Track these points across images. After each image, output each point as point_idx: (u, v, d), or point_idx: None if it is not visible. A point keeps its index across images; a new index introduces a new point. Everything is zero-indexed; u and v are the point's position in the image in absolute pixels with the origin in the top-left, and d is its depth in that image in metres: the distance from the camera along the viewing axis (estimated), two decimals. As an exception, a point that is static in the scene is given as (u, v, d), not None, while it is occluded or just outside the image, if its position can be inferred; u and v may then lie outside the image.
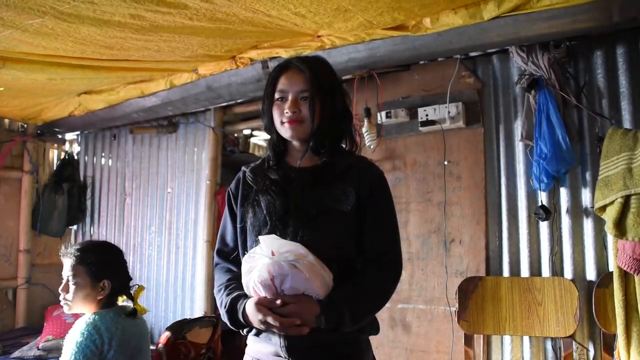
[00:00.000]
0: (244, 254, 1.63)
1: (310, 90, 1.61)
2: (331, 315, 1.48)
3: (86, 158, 4.77)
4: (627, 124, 2.46)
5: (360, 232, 1.64)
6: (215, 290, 1.72)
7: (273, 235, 1.54)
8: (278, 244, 1.49)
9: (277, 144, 1.72)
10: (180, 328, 2.31)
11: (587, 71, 2.59)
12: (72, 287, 2.13)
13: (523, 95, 2.68)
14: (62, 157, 4.79)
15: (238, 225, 1.71)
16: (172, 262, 4.03)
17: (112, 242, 2.43)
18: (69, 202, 4.59)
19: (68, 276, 2.15)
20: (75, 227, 4.76)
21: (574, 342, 2.46)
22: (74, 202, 4.62)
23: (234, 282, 1.66)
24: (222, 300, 1.63)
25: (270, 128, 1.71)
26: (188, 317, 2.42)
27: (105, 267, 2.19)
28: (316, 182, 1.63)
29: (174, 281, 3.99)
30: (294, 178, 1.67)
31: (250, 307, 1.51)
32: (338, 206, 1.61)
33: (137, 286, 2.33)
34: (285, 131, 1.65)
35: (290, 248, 1.47)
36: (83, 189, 4.70)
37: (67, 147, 4.94)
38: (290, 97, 1.62)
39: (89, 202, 4.68)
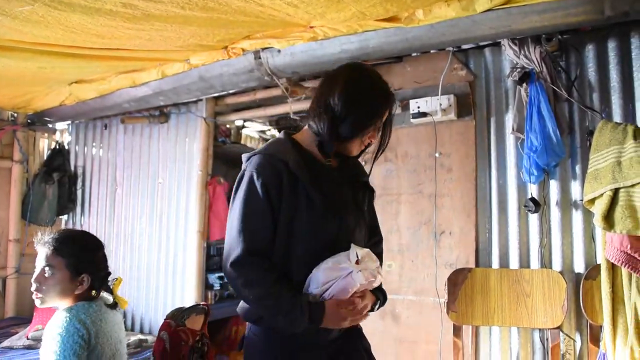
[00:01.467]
0: (286, 246, 1.64)
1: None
2: (383, 301, 1.83)
3: (77, 148, 4.75)
4: (617, 118, 2.48)
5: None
6: (261, 295, 1.61)
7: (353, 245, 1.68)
8: (360, 252, 1.66)
9: (333, 137, 1.71)
10: (180, 315, 2.29)
11: (579, 65, 2.60)
12: (48, 280, 1.97)
13: (514, 88, 2.69)
14: (53, 146, 4.77)
15: (283, 219, 1.64)
16: (163, 252, 4.02)
17: (99, 234, 2.27)
18: (59, 192, 4.57)
19: (44, 267, 1.98)
20: (65, 217, 4.74)
21: (561, 333, 2.49)
22: (64, 192, 4.60)
23: (285, 285, 1.62)
24: (286, 303, 1.59)
25: (336, 124, 1.69)
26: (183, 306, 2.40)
27: (86, 261, 2.04)
28: (354, 180, 1.83)
29: (164, 271, 3.99)
30: (335, 174, 1.79)
31: (333, 309, 1.61)
32: (368, 196, 1.89)
33: (115, 278, 2.19)
34: (356, 150, 1.78)
35: (367, 254, 1.69)
36: (73, 178, 4.68)
37: (57, 136, 4.91)
38: (378, 127, 1.76)
39: (79, 192, 4.66)
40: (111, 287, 2.17)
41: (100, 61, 3.20)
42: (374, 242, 1.96)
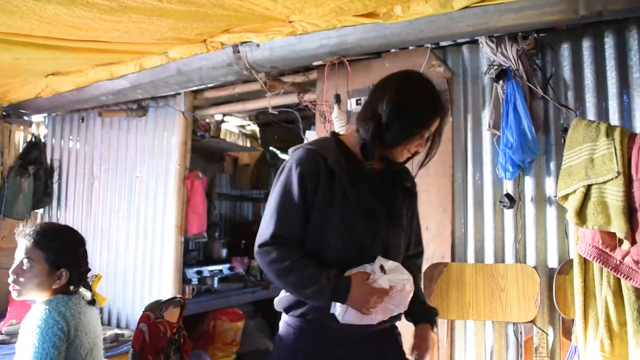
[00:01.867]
0: (319, 238, 1.69)
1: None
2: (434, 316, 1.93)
3: (53, 141, 4.70)
4: (590, 116, 2.52)
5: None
6: (285, 268, 1.64)
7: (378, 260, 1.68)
8: (385, 263, 1.67)
9: (376, 142, 1.72)
10: (158, 307, 2.29)
11: (554, 63, 2.63)
12: (26, 272, 1.96)
13: (491, 86, 2.72)
14: (29, 139, 4.70)
15: (317, 211, 1.68)
16: (140, 246, 4.00)
17: (76, 228, 2.22)
18: (35, 186, 4.51)
19: (23, 259, 1.97)
20: (41, 210, 4.68)
21: (534, 327, 2.53)
22: (40, 185, 4.54)
23: (311, 260, 1.66)
24: (311, 276, 1.62)
25: (390, 137, 1.70)
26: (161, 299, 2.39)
27: (66, 256, 2.03)
28: (395, 184, 1.84)
29: (141, 265, 3.97)
30: (376, 177, 1.79)
31: (359, 283, 1.62)
32: (410, 205, 1.88)
33: (94, 275, 2.17)
34: (401, 157, 1.78)
35: (395, 267, 1.69)
36: (50, 172, 4.62)
37: (33, 129, 4.84)
38: (425, 137, 1.75)
39: (55, 186, 4.61)
40: (90, 283, 2.15)
41: (76, 53, 3.16)
42: (415, 254, 1.98)
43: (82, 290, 2.13)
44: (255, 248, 1.70)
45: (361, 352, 1.74)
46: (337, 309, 1.63)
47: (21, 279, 1.97)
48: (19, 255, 1.99)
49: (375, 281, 1.63)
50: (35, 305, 1.99)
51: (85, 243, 2.16)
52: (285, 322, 1.81)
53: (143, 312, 2.21)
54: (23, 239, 2.00)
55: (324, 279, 1.60)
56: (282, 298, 1.81)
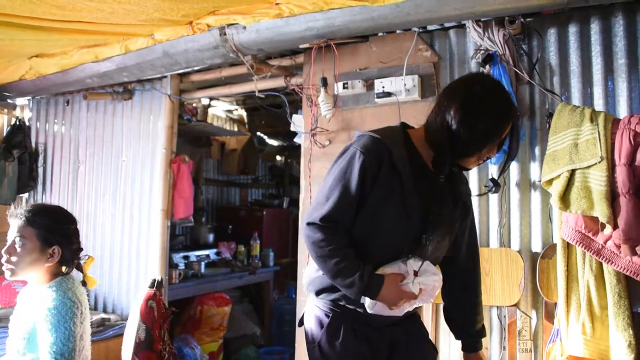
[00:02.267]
0: (368, 230, 1.71)
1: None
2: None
3: (38, 124, 4.64)
4: (575, 101, 2.53)
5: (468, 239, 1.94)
6: (325, 253, 1.67)
7: (412, 260, 1.71)
8: (418, 265, 1.70)
9: (450, 154, 1.70)
10: (159, 285, 2.33)
11: (540, 48, 2.64)
12: (18, 250, 2.00)
13: (478, 70, 2.72)
14: (13, 122, 4.64)
15: (371, 203, 1.69)
16: (127, 231, 3.98)
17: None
18: (20, 170, 4.46)
19: (15, 237, 2.01)
20: (26, 195, 4.64)
21: (518, 311, 2.55)
22: (25, 169, 4.50)
23: (352, 251, 1.68)
24: (346, 267, 1.65)
25: (462, 148, 1.68)
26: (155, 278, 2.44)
27: (57, 233, 2.07)
28: (455, 197, 1.82)
29: (128, 250, 3.95)
30: (439, 183, 1.77)
31: (391, 283, 1.66)
32: (463, 219, 1.86)
33: (86, 257, 2.23)
34: (473, 165, 1.77)
35: (426, 267, 1.72)
36: (35, 156, 4.58)
37: (17, 112, 4.79)
38: (497, 143, 1.71)
39: (41, 170, 4.56)
40: (82, 265, 2.20)
41: (61, 34, 3.11)
42: (468, 269, 1.95)
43: (73, 273, 2.15)
44: (303, 224, 1.73)
45: (387, 332, 1.82)
46: (367, 301, 1.70)
47: (14, 258, 2.01)
48: (12, 234, 2.03)
49: (407, 284, 1.67)
50: (39, 290, 2.03)
51: (76, 221, 2.21)
52: (314, 304, 1.85)
53: (148, 290, 2.25)
54: (15, 219, 2.05)
55: (358, 275, 1.63)
56: (314, 280, 1.83)
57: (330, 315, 1.78)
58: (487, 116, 1.65)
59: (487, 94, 1.68)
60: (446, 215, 1.76)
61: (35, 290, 2.07)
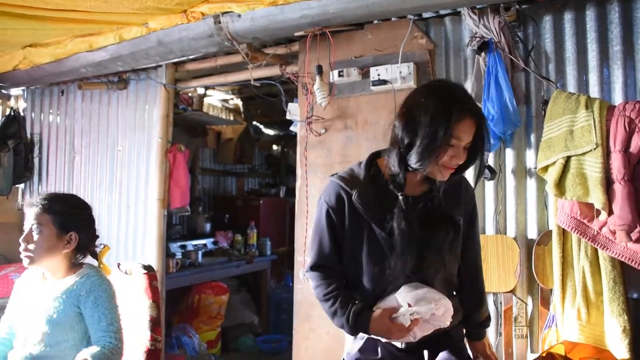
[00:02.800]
0: (354, 267, 1.78)
1: (471, 143, 1.65)
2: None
3: (33, 114, 4.62)
4: (571, 88, 2.53)
5: (464, 246, 1.87)
6: (321, 298, 1.80)
7: (405, 287, 1.71)
8: (413, 295, 1.68)
9: (401, 167, 1.67)
10: (152, 269, 2.41)
11: (536, 36, 2.63)
12: (36, 237, 2.02)
13: (473, 58, 2.72)
14: (7, 113, 4.61)
15: (348, 243, 1.77)
16: (123, 221, 3.98)
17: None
18: (15, 160, 4.44)
19: (32, 225, 2.03)
20: (22, 185, 4.62)
21: (514, 297, 2.57)
22: (20, 160, 4.48)
23: (341, 293, 1.76)
24: (337, 309, 1.74)
25: (408, 151, 1.63)
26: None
27: (73, 219, 2.10)
28: (433, 212, 1.75)
29: (124, 240, 3.95)
30: (410, 208, 1.72)
31: (377, 320, 1.69)
32: (454, 233, 1.79)
33: (102, 246, 2.27)
34: (443, 175, 1.67)
35: (422, 297, 1.68)
36: (30, 146, 4.56)
37: (12, 102, 4.76)
38: (461, 147, 1.63)
39: (36, 160, 4.54)
40: (98, 253, 2.24)
41: (54, 23, 3.09)
42: (469, 270, 1.92)
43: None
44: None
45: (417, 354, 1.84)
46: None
47: (31, 246, 2.04)
48: (29, 222, 2.06)
49: (397, 317, 1.68)
50: (80, 280, 2.08)
51: (91, 208, 2.26)
52: None
53: (148, 273, 2.31)
54: (31, 208, 2.07)
55: (345, 318, 1.71)
56: None
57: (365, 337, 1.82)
58: (426, 116, 1.58)
59: (425, 95, 1.65)
60: (426, 240, 1.72)
61: (58, 280, 2.10)
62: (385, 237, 1.70)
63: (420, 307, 1.65)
